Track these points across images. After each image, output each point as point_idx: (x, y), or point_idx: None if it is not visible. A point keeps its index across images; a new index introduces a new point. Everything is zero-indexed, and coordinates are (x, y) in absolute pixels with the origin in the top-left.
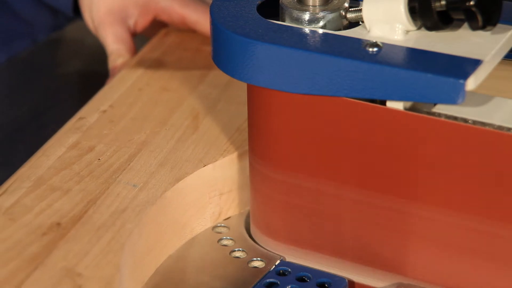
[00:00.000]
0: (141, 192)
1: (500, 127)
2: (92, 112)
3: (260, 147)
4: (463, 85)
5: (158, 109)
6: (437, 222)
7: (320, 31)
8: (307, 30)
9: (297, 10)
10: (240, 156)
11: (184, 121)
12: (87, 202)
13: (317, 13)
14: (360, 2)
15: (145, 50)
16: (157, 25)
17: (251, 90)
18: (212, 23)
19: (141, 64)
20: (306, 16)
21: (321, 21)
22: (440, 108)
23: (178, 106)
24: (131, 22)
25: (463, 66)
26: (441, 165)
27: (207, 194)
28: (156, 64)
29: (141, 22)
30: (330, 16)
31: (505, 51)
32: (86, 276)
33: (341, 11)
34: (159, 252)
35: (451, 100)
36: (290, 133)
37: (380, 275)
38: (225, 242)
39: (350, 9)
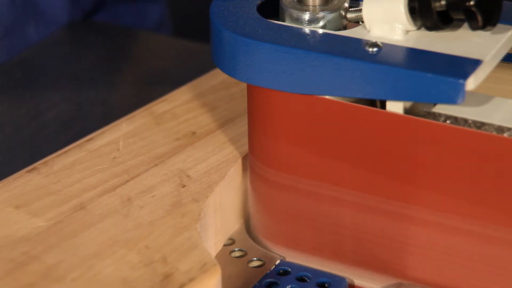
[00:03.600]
0: None
1: (500, 127)
2: None
3: (260, 148)
4: (463, 85)
5: None
6: (436, 225)
7: (320, 31)
8: (307, 30)
9: (297, 10)
10: None
11: None
12: (228, 119)
13: (317, 13)
14: (360, 2)
15: None
16: None
17: (251, 90)
18: (212, 23)
19: None
20: (306, 16)
21: (321, 21)
22: (440, 108)
23: None
24: None
25: (463, 66)
26: (440, 169)
27: None
28: None
29: None
30: (330, 16)
31: (505, 51)
32: (193, 178)
33: (341, 11)
34: None
35: (451, 100)
36: (290, 134)
37: (380, 278)
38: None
39: (350, 9)
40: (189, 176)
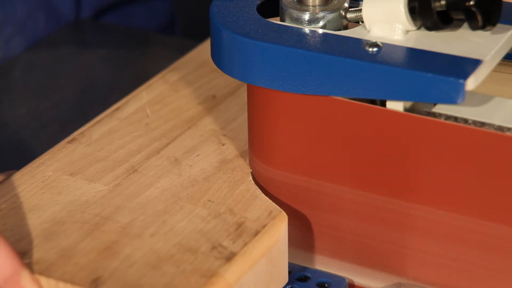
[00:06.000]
0: None
1: (500, 127)
2: None
3: (260, 147)
4: (463, 85)
5: None
6: (436, 223)
7: (320, 31)
8: (307, 30)
9: (297, 10)
10: None
11: None
12: None
13: (317, 13)
14: (360, 2)
15: None
16: None
17: (251, 90)
18: (212, 23)
19: None
20: (306, 16)
21: (321, 21)
22: (440, 108)
23: None
24: None
25: (463, 66)
26: (440, 167)
27: None
28: None
29: None
30: (330, 16)
31: (505, 51)
32: (229, 136)
33: (341, 11)
34: None
35: (451, 100)
36: (290, 134)
37: (380, 276)
38: None
39: (350, 9)
40: (224, 135)
